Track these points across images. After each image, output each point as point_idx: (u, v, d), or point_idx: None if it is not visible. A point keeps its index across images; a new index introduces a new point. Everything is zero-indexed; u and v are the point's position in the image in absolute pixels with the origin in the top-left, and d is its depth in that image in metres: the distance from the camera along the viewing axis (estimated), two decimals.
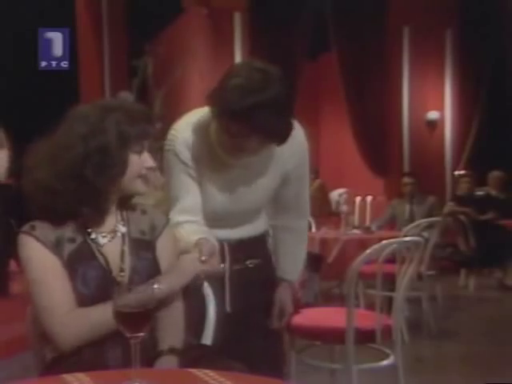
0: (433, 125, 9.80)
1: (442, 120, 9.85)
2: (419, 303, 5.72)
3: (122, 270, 1.93)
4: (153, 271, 1.98)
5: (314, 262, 6.08)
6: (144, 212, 2.09)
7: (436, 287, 6.28)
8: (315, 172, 10.57)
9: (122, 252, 1.96)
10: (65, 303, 1.83)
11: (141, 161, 1.93)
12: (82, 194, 1.86)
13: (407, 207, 7.14)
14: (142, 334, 1.50)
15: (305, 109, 11.47)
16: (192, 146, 2.36)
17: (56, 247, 1.87)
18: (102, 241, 1.95)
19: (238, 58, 8.62)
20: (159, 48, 8.87)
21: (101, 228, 1.96)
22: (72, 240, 1.90)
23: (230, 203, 2.44)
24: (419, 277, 5.53)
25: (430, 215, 6.81)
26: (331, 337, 3.34)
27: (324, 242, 6.28)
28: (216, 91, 2.19)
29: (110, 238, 1.97)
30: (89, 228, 1.94)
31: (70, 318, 1.82)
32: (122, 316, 1.51)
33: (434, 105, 9.82)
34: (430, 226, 6.02)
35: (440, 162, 9.69)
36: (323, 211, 9.07)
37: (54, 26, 4.50)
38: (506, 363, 4.80)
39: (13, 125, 5.63)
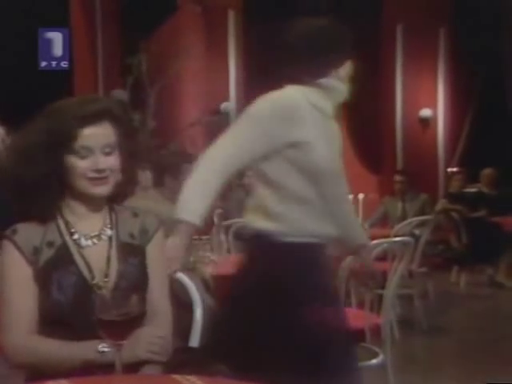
0: (426, 122, 9.84)
1: (434, 117, 9.89)
2: (411, 300, 5.76)
3: (106, 276, 1.90)
4: (140, 277, 1.95)
5: None
6: (135, 215, 2.05)
7: (428, 284, 6.34)
8: None
9: (108, 257, 1.93)
10: (24, 324, 1.82)
11: (87, 163, 1.87)
12: (27, 184, 1.87)
13: (399, 205, 7.18)
14: (124, 342, 1.49)
15: None
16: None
17: (34, 255, 1.85)
18: (84, 243, 1.91)
19: (232, 55, 8.68)
20: (153, 46, 8.86)
21: (85, 229, 1.93)
22: (50, 244, 1.88)
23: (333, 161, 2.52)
24: (410, 274, 5.58)
25: (422, 212, 6.86)
26: None
27: None
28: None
29: (96, 241, 1.93)
30: (72, 228, 1.92)
31: (22, 343, 1.81)
32: (103, 324, 1.48)
33: (427, 102, 9.85)
34: (421, 224, 6.07)
35: (433, 159, 9.73)
36: None
37: (54, 26, 4.53)
38: (498, 359, 4.84)
39: (12, 125, 5.67)
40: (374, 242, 3.41)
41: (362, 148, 9.57)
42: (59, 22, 4.97)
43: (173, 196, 2.18)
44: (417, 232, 6.04)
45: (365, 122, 9.37)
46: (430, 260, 6.33)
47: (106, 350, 1.67)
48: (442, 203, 8.03)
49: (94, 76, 7.97)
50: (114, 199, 2.01)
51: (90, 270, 1.88)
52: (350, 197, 6.36)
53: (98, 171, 1.87)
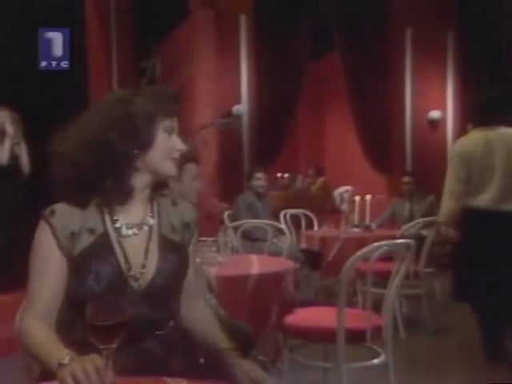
0: (435, 124, 9.88)
1: (443, 119, 9.93)
2: (418, 300, 5.76)
3: (143, 267, 1.85)
4: (179, 273, 1.93)
5: (315, 259, 6.22)
6: (174, 203, 2.02)
7: (435, 284, 6.36)
8: (319, 170, 10.73)
9: (147, 248, 1.88)
10: (35, 308, 1.79)
11: (171, 141, 1.88)
12: (106, 162, 1.80)
13: (407, 206, 7.22)
14: (114, 346, 1.48)
15: (310, 108, 11.66)
16: None
17: (70, 240, 1.80)
18: (125, 232, 1.86)
19: (243, 59, 8.73)
20: (167, 49, 9.00)
21: (127, 218, 1.88)
22: (91, 231, 1.82)
23: None
24: (416, 275, 5.62)
25: (429, 213, 6.87)
26: (323, 337, 3.40)
27: (324, 241, 6.38)
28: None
29: (136, 231, 1.88)
30: (115, 216, 1.87)
31: (25, 325, 1.79)
32: (94, 328, 1.47)
33: (436, 104, 9.89)
34: (428, 225, 6.12)
35: (442, 160, 9.66)
36: (326, 208, 9.22)
37: (54, 26, 4.55)
38: (504, 361, 4.66)
39: None
40: (375, 244, 3.44)
41: (372, 149, 9.64)
42: (66, 22, 4.95)
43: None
44: (424, 232, 6.08)
45: (374, 123, 9.45)
46: (437, 260, 6.32)
47: (65, 362, 1.57)
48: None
49: (109, 79, 8.05)
50: (157, 186, 1.96)
51: (127, 261, 1.83)
52: (358, 198, 6.53)
53: (181, 151, 1.91)
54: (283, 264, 3.98)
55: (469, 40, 9.57)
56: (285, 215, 7.06)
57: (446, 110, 9.99)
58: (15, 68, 5.98)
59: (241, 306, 3.32)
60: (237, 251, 5.03)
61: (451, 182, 4.53)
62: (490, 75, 9.43)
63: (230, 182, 7.46)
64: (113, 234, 1.85)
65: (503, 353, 4.46)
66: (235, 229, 5.31)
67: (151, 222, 1.91)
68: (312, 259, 6.20)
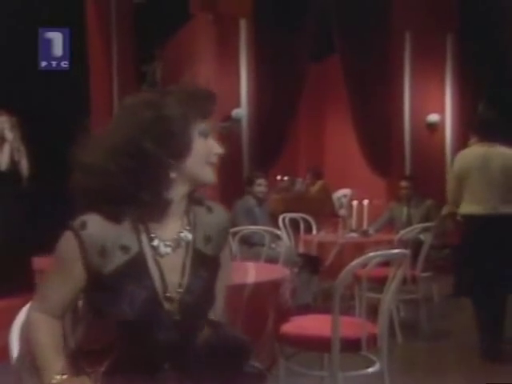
0: (433, 127, 9.90)
1: (442, 122, 9.96)
2: (415, 304, 5.78)
3: (180, 286, 1.73)
4: (207, 292, 1.80)
5: (313, 264, 6.27)
6: (209, 210, 1.86)
7: (432, 288, 6.36)
8: (318, 173, 10.76)
9: (184, 265, 1.75)
10: (46, 304, 1.74)
11: (208, 145, 1.74)
12: (140, 173, 1.64)
13: (405, 210, 7.22)
14: (102, 369, 1.49)
15: (310, 110, 11.67)
16: None
17: (100, 256, 1.66)
18: (164, 250, 1.72)
19: (243, 63, 8.75)
20: (168, 53, 9.01)
21: (164, 234, 1.73)
22: (125, 249, 1.67)
23: None
24: (414, 280, 5.64)
25: (427, 218, 6.92)
26: (318, 345, 3.44)
27: (322, 245, 6.40)
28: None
29: (174, 248, 1.74)
30: (151, 233, 1.72)
31: (34, 314, 1.75)
32: (82, 352, 1.49)
33: (435, 108, 9.92)
34: (426, 230, 6.15)
35: (440, 163, 9.75)
36: (326, 211, 9.24)
37: (54, 26, 4.53)
38: (503, 365, 4.78)
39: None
40: (371, 254, 3.49)
41: (371, 152, 9.64)
42: (60, 21, 4.95)
43: None
44: (421, 237, 6.10)
45: (373, 126, 9.45)
46: (435, 264, 6.35)
47: (54, 382, 1.57)
48: (447, 207, 8.07)
49: (109, 83, 8.07)
50: (192, 195, 1.80)
51: (164, 281, 1.71)
52: (355, 202, 6.55)
53: (219, 155, 1.78)
54: (279, 272, 4.01)
55: (468, 43, 9.60)
56: (283, 219, 7.09)
57: (445, 114, 10.02)
58: (15, 68, 5.97)
59: (237, 314, 3.33)
60: (235, 256, 5.06)
61: (453, 188, 5.15)
62: (489, 79, 9.46)
63: (229, 185, 7.47)
64: (149, 254, 1.70)
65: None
66: (233, 234, 5.33)
67: (189, 236, 1.77)
68: (310, 264, 6.24)
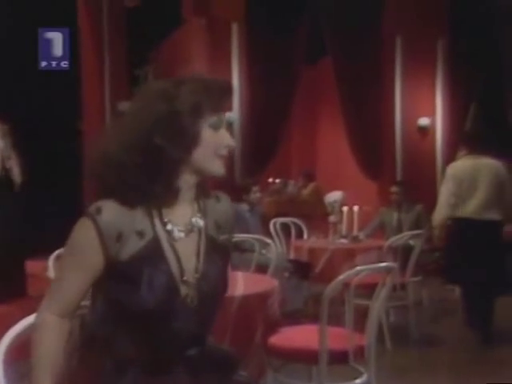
0: (424, 131, 9.96)
1: (433, 126, 10.02)
2: (405, 309, 5.81)
3: (196, 271, 1.74)
4: (221, 279, 1.82)
5: (303, 270, 6.29)
6: (218, 199, 1.90)
7: (422, 292, 6.39)
8: (310, 175, 10.78)
9: (198, 249, 1.77)
10: (55, 304, 1.71)
11: (218, 137, 1.73)
12: (152, 167, 1.66)
13: (395, 215, 7.22)
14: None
15: (303, 112, 11.68)
16: None
17: (116, 241, 1.65)
18: (178, 234, 1.73)
19: (235, 67, 8.79)
20: (160, 57, 9.02)
21: (176, 220, 1.74)
22: (141, 234, 1.68)
23: None
24: (403, 286, 5.67)
25: (417, 223, 6.96)
26: (305, 358, 3.45)
27: (312, 251, 6.41)
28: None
29: (187, 233, 1.75)
30: (165, 218, 1.72)
31: (43, 315, 1.72)
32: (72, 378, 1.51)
33: (426, 111, 9.98)
34: (416, 236, 6.17)
35: (431, 167, 9.80)
36: (318, 213, 9.27)
37: (54, 26, 4.55)
38: (493, 369, 4.82)
39: (12, 124, 5.80)
40: (358, 267, 3.51)
41: (363, 155, 9.68)
42: (60, 21, 4.96)
43: None
44: (411, 242, 6.13)
45: (365, 129, 9.49)
46: (425, 268, 6.37)
47: None
48: (438, 216, 8.08)
49: (101, 87, 8.08)
50: (203, 184, 1.83)
51: (180, 266, 1.72)
52: (345, 208, 6.57)
53: (230, 147, 1.77)
54: (268, 283, 4.00)
55: (458, 48, 9.66)
56: (274, 224, 7.11)
57: (436, 117, 10.08)
58: (15, 68, 5.97)
59: (225, 326, 3.35)
60: None
61: (445, 196, 5.70)
62: (479, 82, 9.50)
63: (220, 189, 7.53)
64: (164, 238, 1.71)
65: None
66: None
67: (200, 222, 1.79)
68: (300, 270, 6.26)
